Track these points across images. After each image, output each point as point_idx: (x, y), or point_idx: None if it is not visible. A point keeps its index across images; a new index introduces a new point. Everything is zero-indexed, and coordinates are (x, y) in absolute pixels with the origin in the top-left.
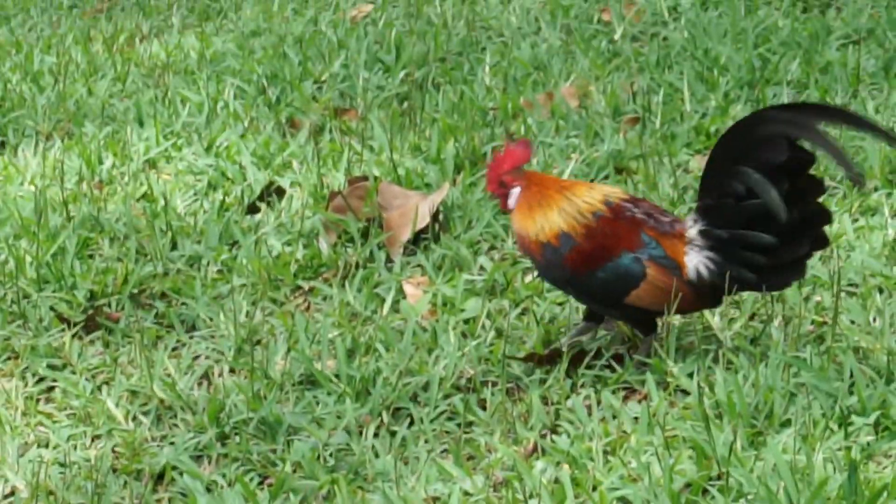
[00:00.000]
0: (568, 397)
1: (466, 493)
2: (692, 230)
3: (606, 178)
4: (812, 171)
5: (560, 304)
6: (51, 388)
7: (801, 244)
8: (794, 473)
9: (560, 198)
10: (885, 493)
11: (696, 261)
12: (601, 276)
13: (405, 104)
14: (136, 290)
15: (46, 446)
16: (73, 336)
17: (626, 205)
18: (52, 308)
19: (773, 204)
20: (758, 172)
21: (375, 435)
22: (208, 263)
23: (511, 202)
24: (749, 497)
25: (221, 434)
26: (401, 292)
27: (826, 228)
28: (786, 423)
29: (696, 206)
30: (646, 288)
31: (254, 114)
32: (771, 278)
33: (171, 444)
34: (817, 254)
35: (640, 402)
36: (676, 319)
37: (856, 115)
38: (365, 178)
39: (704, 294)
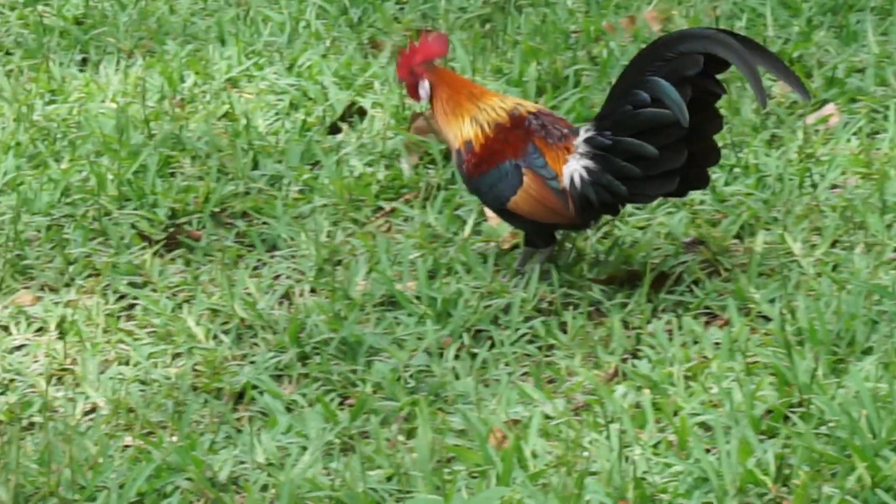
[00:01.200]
0: (649, 322)
1: (547, 417)
2: (579, 138)
3: None
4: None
5: (641, 228)
6: (132, 306)
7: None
8: (875, 401)
9: (471, 107)
10: None
11: (572, 168)
12: (486, 180)
13: (487, 26)
14: (217, 209)
15: (127, 364)
16: (154, 254)
17: (529, 116)
18: (133, 226)
19: (677, 106)
20: (667, 81)
21: (456, 357)
22: (289, 183)
23: (422, 93)
24: (830, 425)
25: (302, 354)
26: (482, 214)
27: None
28: (867, 351)
29: (595, 116)
30: (522, 195)
31: (335, 33)
32: (640, 190)
33: (252, 363)
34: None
35: (721, 327)
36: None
37: (776, 61)
38: None
39: (577, 207)
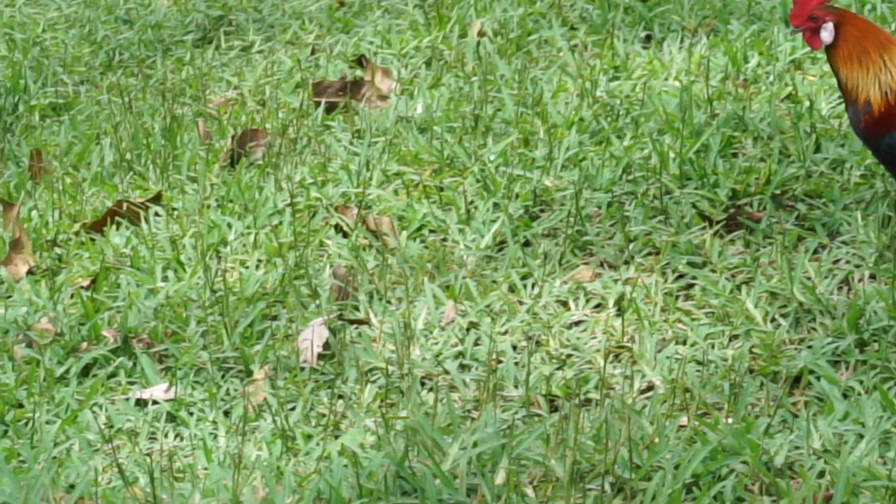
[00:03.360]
0: None
1: None
2: None
3: None
4: None
5: None
6: (690, 286)
7: None
8: None
9: (878, 60)
10: None
11: None
12: (886, 142)
13: None
14: (778, 191)
15: (684, 343)
16: (714, 234)
17: None
18: (693, 205)
19: None
20: None
21: None
22: (851, 167)
23: (825, 36)
24: None
25: (860, 340)
26: None
27: None
28: None
29: None
30: None
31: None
32: None
33: (809, 347)
34: None
35: None
36: None
37: None
38: None
39: None
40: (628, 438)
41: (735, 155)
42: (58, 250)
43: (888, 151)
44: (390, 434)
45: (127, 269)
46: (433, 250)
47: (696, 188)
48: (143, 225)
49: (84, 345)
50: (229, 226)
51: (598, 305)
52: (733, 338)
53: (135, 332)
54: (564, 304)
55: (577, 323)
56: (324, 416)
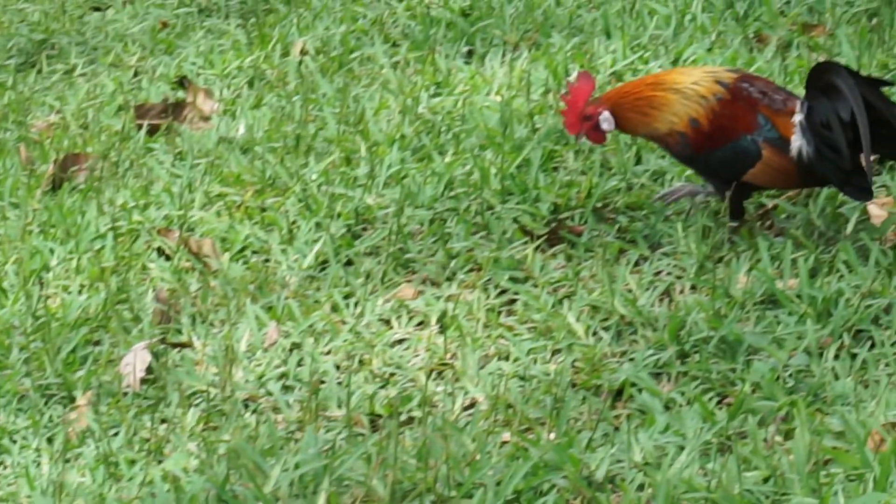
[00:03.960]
0: None
1: None
2: (798, 115)
3: None
4: None
5: None
6: (512, 301)
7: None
8: None
9: (667, 92)
10: None
11: (798, 143)
12: (718, 155)
13: (874, 20)
14: (599, 204)
15: (507, 359)
16: (536, 249)
17: (742, 84)
18: (515, 220)
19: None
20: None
21: (836, 357)
22: (672, 179)
23: (607, 126)
24: None
25: (681, 352)
26: (865, 213)
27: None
28: None
29: (805, 96)
30: (761, 168)
31: (721, 27)
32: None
33: (631, 360)
34: None
35: None
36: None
37: None
38: None
39: (808, 174)
40: (449, 456)
41: (556, 169)
42: None
43: (722, 161)
44: (213, 457)
45: None
46: (256, 271)
47: (517, 203)
48: None
49: None
50: (51, 251)
51: (420, 323)
52: (555, 352)
53: None
54: (387, 322)
55: (400, 341)
56: (147, 440)
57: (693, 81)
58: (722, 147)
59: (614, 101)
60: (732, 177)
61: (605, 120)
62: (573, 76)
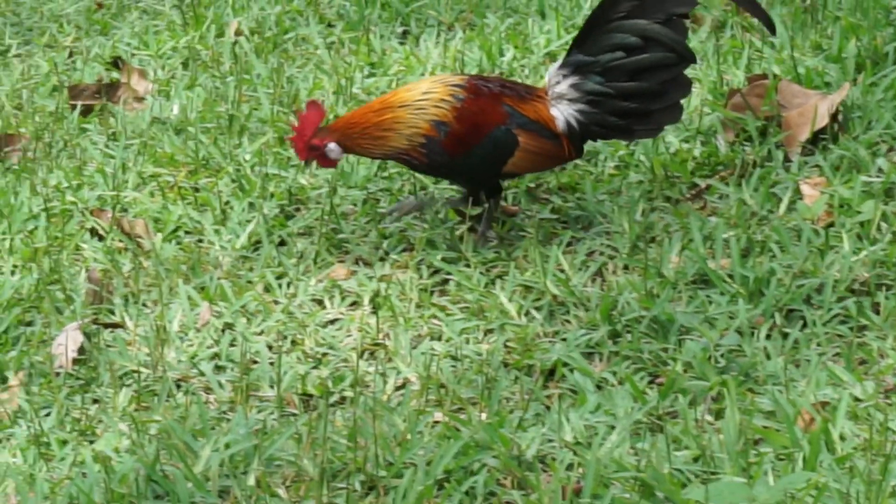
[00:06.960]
0: None
1: (856, 399)
2: (561, 85)
3: None
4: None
5: None
6: (445, 281)
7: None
8: None
9: (396, 110)
10: None
11: (566, 114)
12: (478, 153)
13: (808, 1)
14: (532, 185)
15: (439, 339)
16: (469, 229)
17: (478, 83)
18: (448, 200)
19: (680, 45)
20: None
21: (767, 336)
22: (605, 159)
23: (334, 155)
24: None
25: (613, 332)
26: (797, 192)
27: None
28: None
29: (565, 61)
30: (520, 155)
31: None
32: (645, 125)
33: (563, 340)
34: None
35: None
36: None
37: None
38: (764, 77)
39: (574, 146)
40: (379, 435)
41: None
42: None
43: (483, 157)
44: (143, 438)
45: None
46: (188, 252)
47: (450, 184)
48: None
49: None
50: None
51: (353, 303)
52: (488, 332)
53: None
54: (320, 302)
55: (333, 321)
56: (78, 421)
57: (423, 92)
58: (480, 143)
59: (341, 133)
60: (494, 171)
61: (332, 150)
62: (305, 104)
